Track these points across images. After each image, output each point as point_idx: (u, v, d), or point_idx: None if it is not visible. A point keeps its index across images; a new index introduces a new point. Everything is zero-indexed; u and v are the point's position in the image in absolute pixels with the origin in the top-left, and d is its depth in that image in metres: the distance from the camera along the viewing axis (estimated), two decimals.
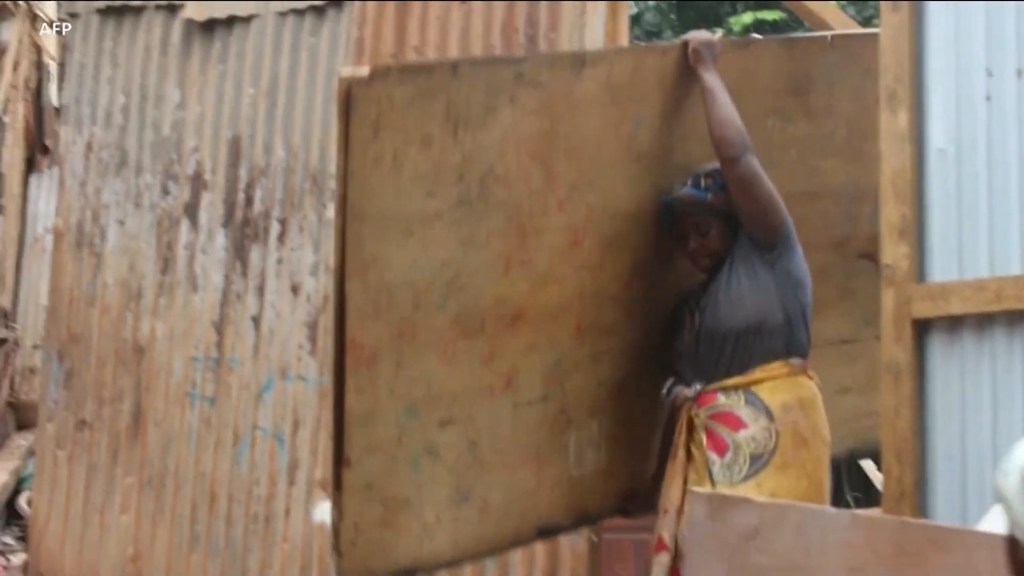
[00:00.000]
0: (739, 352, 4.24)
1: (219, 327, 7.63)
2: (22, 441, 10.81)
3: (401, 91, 3.87)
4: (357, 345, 3.94)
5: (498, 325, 4.21)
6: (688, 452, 4.29)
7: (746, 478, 4.11)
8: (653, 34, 15.05)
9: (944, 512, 4.26)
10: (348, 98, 3.81)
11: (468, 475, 4.26)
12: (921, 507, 4.30)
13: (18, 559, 9.48)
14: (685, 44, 4.42)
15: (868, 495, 7.41)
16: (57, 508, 8.40)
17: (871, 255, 4.78)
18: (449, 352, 4.12)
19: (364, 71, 3.85)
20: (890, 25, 4.38)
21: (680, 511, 4.23)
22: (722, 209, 4.34)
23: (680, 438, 4.32)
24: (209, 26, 7.95)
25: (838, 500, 6.16)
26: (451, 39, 7.02)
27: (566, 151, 4.24)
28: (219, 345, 7.63)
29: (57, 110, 11.76)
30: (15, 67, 12.39)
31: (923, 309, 4.27)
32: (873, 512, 4.42)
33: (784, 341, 4.27)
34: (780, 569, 3.34)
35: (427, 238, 4.02)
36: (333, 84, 7.34)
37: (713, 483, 4.15)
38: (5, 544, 10.09)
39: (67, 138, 8.77)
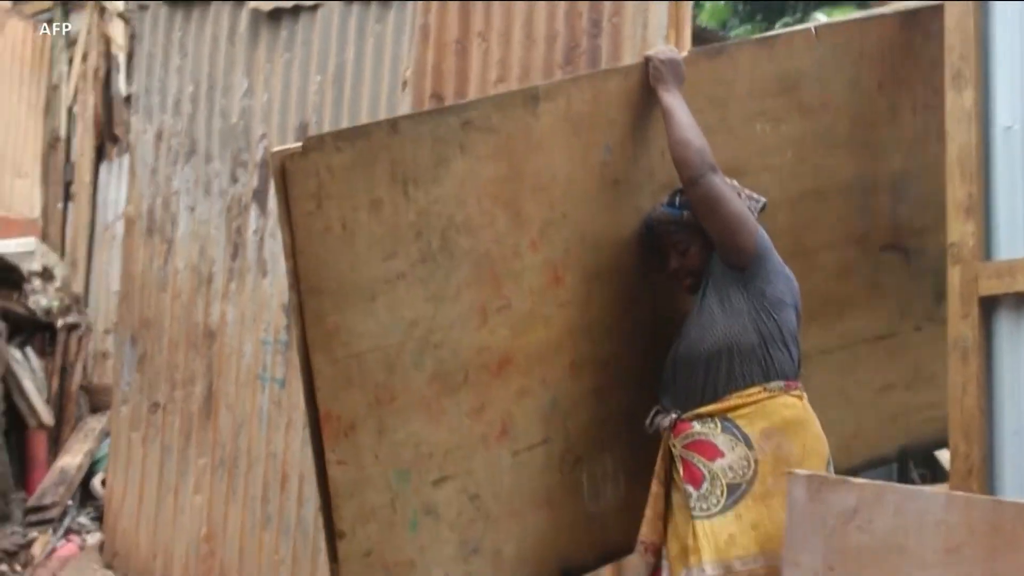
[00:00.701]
0: (712, 378, 4.07)
1: (288, 310, 7.71)
2: (95, 424, 10.98)
3: (339, 159, 3.82)
4: (332, 417, 3.89)
5: (483, 375, 4.12)
6: (667, 484, 4.14)
7: (724, 509, 3.92)
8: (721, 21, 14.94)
9: (1012, 488, 4.26)
10: (283, 174, 3.78)
11: (473, 529, 4.16)
12: (989, 484, 4.30)
13: (94, 539, 9.64)
14: (648, 62, 4.32)
15: (935, 473, 7.39)
16: (131, 489, 8.57)
17: (896, 245, 4.74)
18: (434, 410, 4.04)
19: (297, 145, 3.81)
20: (955, 4, 4.40)
21: (657, 550, 4.11)
22: (699, 227, 4.21)
23: (658, 468, 4.18)
24: (275, 15, 8.05)
25: (904, 479, 6.14)
26: (515, 25, 7.07)
27: (533, 190, 4.16)
28: (288, 328, 7.71)
29: (126, 100, 11.91)
30: (84, 58, 12.56)
31: (990, 286, 4.28)
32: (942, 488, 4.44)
33: (761, 364, 4.06)
34: (879, 549, 3.37)
35: (393, 300, 3.95)
36: (400, 71, 7.43)
37: (693, 516, 3.98)
38: (81, 524, 10.26)
39: (137, 127, 8.91)
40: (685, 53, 4.40)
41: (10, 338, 11.36)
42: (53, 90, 13.14)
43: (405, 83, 7.44)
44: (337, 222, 3.82)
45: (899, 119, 4.71)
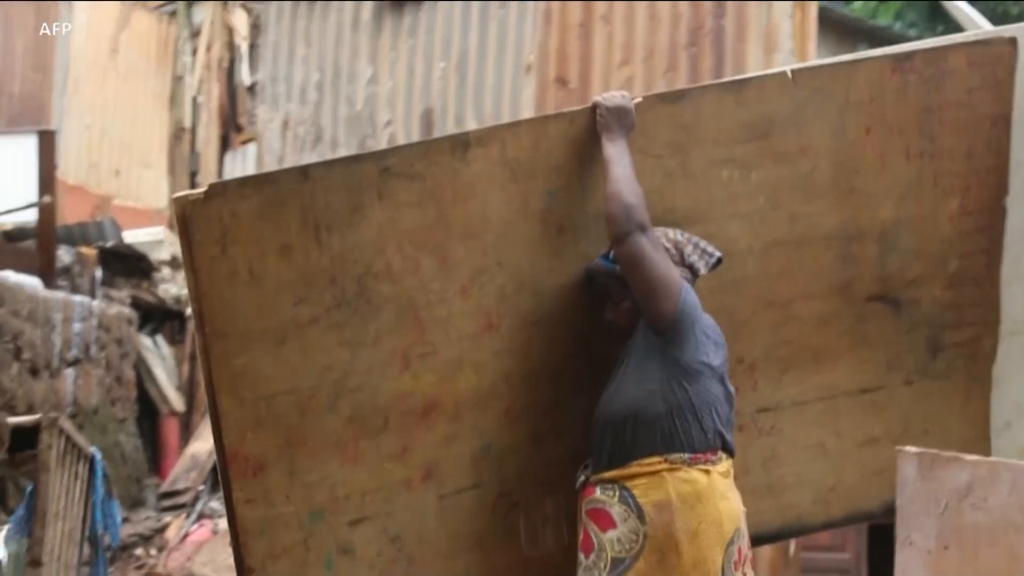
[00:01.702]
0: (617, 443, 3.91)
1: None
2: None
3: (245, 205, 3.79)
4: (240, 458, 3.88)
5: (406, 419, 4.06)
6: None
7: None
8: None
9: None
10: (184, 220, 3.77)
11: (395, 569, 4.09)
12: None
13: (226, 524, 9.84)
14: (595, 108, 4.14)
15: None
16: None
17: (885, 296, 4.53)
18: (351, 453, 3.99)
19: (199, 192, 3.78)
20: None
21: None
22: None
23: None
24: (399, 2, 8.13)
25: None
26: (639, 7, 7.06)
27: (462, 236, 4.06)
28: None
29: (249, 89, 12.08)
30: (208, 48, 12.78)
31: None
32: None
33: (663, 435, 3.88)
34: (995, 527, 3.32)
35: (304, 345, 3.91)
36: (523, 55, 7.46)
37: None
38: (212, 509, 10.47)
39: (264, 116, 9.06)
40: (638, 99, 4.17)
41: (141, 326, 11.62)
42: (178, 81, 13.38)
43: (529, 67, 7.46)
44: (243, 267, 3.81)
45: (890, 166, 4.46)
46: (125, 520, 8.10)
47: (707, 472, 3.89)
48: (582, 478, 3.99)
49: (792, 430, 4.48)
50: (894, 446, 4.31)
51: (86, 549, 6.27)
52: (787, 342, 4.41)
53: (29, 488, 5.55)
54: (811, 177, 4.41)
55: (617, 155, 4.00)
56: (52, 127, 12.10)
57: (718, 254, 4.09)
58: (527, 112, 7.49)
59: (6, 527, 5.35)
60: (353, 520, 4.00)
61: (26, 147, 10.88)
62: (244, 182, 3.99)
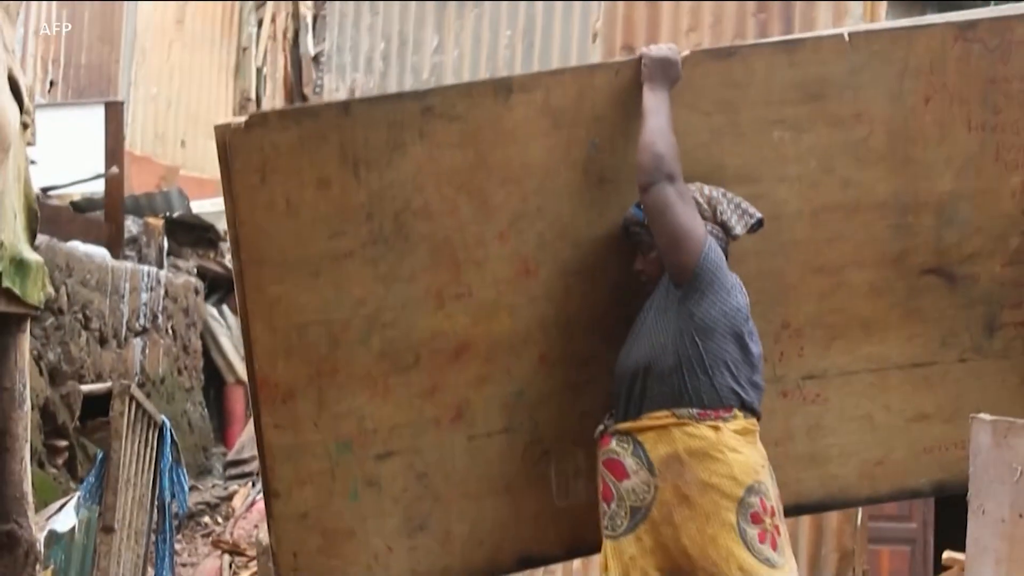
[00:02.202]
0: (633, 395, 3.96)
1: None
2: None
3: (285, 136, 3.88)
4: (270, 384, 4.01)
5: (437, 358, 4.13)
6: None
7: (627, 531, 3.87)
8: None
9: None
10: (225, 149, 3.84)
11: (420, 506, 4.19)
12: None
13: None
14: (640, 60, 4.15)
15: None
16: None
17: (940, 270, 4.46)
18: (380, 387, 4.08)
19: (241, 120, 3.86)
20: None
21: None
22: None
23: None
24: None
25: None
26: None
27: (502, 180, 4.10)
28: None
29: (314, 59, 12.08)
30: (273, 19, 12.79)
31: None
32: None
33: (673, 389, 3.93)
34: None
35: (339, 277, 4.01)
36: (589, 22, 7.40)
37: (604, 534, 3.96)
38: None
39: (330, 85, 9.07)
40: (686, 52, 4.20)
41: (207, 296, 11.69)
42: (243, 52, 13.42)
43: (595, 35, 7.40)
44: (281, 197, 3.89)
45: (950, 137, 4.38)
46: (192, 488, 8.15)
47: (716, 428, 3.90)
48: (601, 428, 4.02)
49: (839, 400, 4.45)
50: (945, 424, 4.44)
51: (155, 516, 6.31)
52: (836, 310, 4.39)
53: (100, 455, 5.59)
54: (866, 143, 4.36)
55: (655, 106, 4.01)
56: (119, 98, 12.18)
57: (758, 215, 4.08)
58: None
59: (77, 494, 5.39)
60: (380, 454, 4.08)
61: (94, 118, 10.94)
62: (285, 114, 4.20)
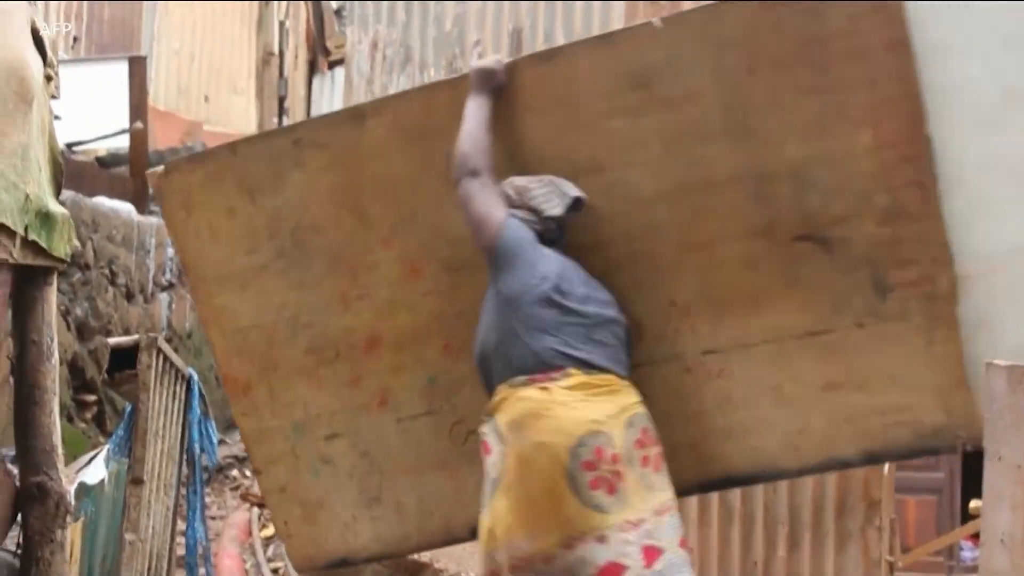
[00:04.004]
0: (487, 376, 4.29)
1: None
2: None
3: (195, 177, 4.59)
4: (231, 379, 4.71)
5: (354, 352, 4.66)
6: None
7: (489, 501, 4.13)
8: None
9: None
10: (157, 191, 4.67)
11: (370, 480, 4.71)
12: None
13: None
14: None
15: None
16: None
17: (812, 236, 4.45)
18: (314, 378, 4.66)
19: (162, 169, 4.65)
20: None
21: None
22: None
23: None
24: None
25: None
26: None
27: (375, 194, 4.57)
28: None
29: (336, 12, 12.04)
30: None
31: None
32: None
33: (503, 362, 4.23)
34: None
35: (261, 287, 4.65)
36: None
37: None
38: None
39: (353, 37, 9.01)
40: (508, 60, 4.54)
41: None
42: (265, 6, 13.38)
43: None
44: (204, 226, 4.60)
45: (785, 103, 4.38)
46: (221, 442, 8.18)
47: (546, 388, 4.13)
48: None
49: (743, 373, 4.54)
50: (859, 392, 4.46)
51: (184, 469, 6.34)
52: (718, 284, 4.49)
53: (128, 408, 5.61)
54: (702, 121, 4.44)
55: (470, 111, 4.42)
56: (142, 53, 12.17)
57: (573, 195, 4.38)
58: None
59: (106, 447, 5.42)
60: (327, 435, 4.69)
61: (117, 73, 10.94)
62: (192, 159, 4.98)
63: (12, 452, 4.44)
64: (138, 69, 11.00)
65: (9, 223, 3.62)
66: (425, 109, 4.53)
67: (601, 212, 4.48)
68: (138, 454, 5.32)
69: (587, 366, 4.22)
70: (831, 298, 4.48)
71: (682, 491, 4.40)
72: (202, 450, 6.26)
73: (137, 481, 5.25)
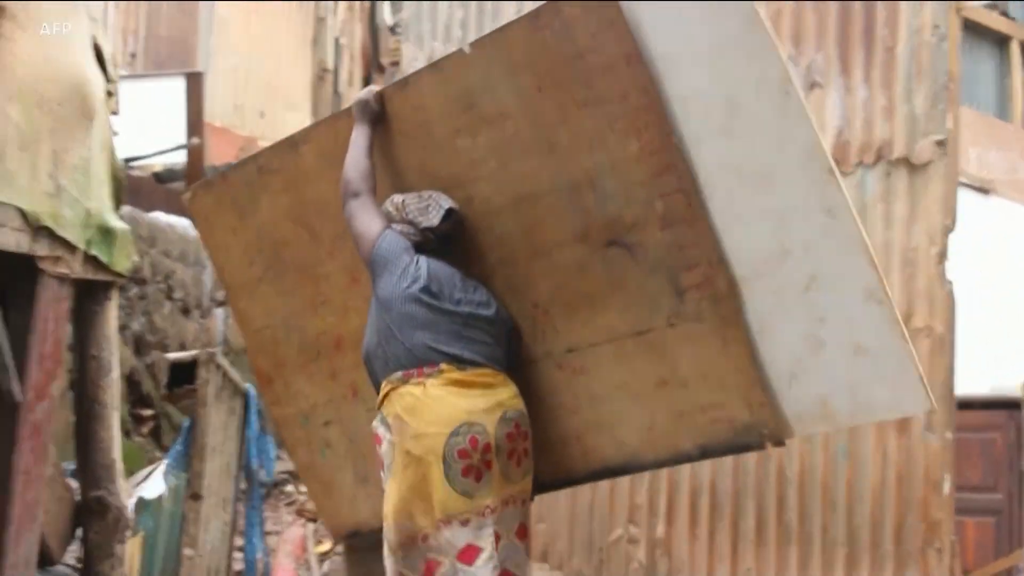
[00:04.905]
0: (370, 375, 4.64)
1: None
2: None
3: (208, 199, 5.18)
4: (259, 372, 5.27)
5: (327, 350, 5.17)
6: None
7: (385, 486, 4.48)
8: None
9: None
10: (188, 210, 5.29)
11: (359, 462, 5.14)
12: None
13: None
14: None
15: None
16: None
17: (617, 241, 4.73)
18: (307, 373, 5.19)
19: (189, 192, 5.28)
20: None
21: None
22: None
23: None
24: None
25: None
26: None
27: (316, 212, 5.08)
28: None
29: (391, 29, 12.06)
30: None
31: None
32: None
33: (382, 361, 4.59)
34: None
35: (262, 295, 5.23)
36: None
37: None
38: None
39: (408, 54, 9.01)
40: (377, 89, 4.96)
41: None
42: (320, 22, 13.42)
43: None
44: (221, 241, 5.22)
45: (569, 118, 4.68)
46: (277, 458, 8.20)
47: (422, 384, 4.48)
48: None
49: (597, 370, 4.82)
50: (683, 389, 4.71)
51: (241, 484, 6.34)
52: (562, 287, 4.81)
53: (186, 423, 5.63)
54: (518, 137, 4.75)
55: (352, 139, 4.90)
56: (198, 69, 12.24)
57: (446, 206, 4.77)
58: None
59: (164, 462, 5.43)
60: (325, 422, 5.19)
61: (174, 90, 11.01)
62: (205, 183, 5.51)
63: (72, 466, 4.45)
64: (195, 85, 11.06)
65: (71, 238, 3.64)
66: (333, 137, 5.00)
67: (471, 223, 4.85)
68: (197, 469, 5.34)
69: (460, 361, 4.56)
70: (646, 300, 4.74)
71: (576, 480, 4.98)
72: (260, 464, 6.27)
73: (196, 496, 5.26)
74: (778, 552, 6.86)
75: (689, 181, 4.59)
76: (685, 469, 7.18)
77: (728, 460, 7.06)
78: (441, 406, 4.49)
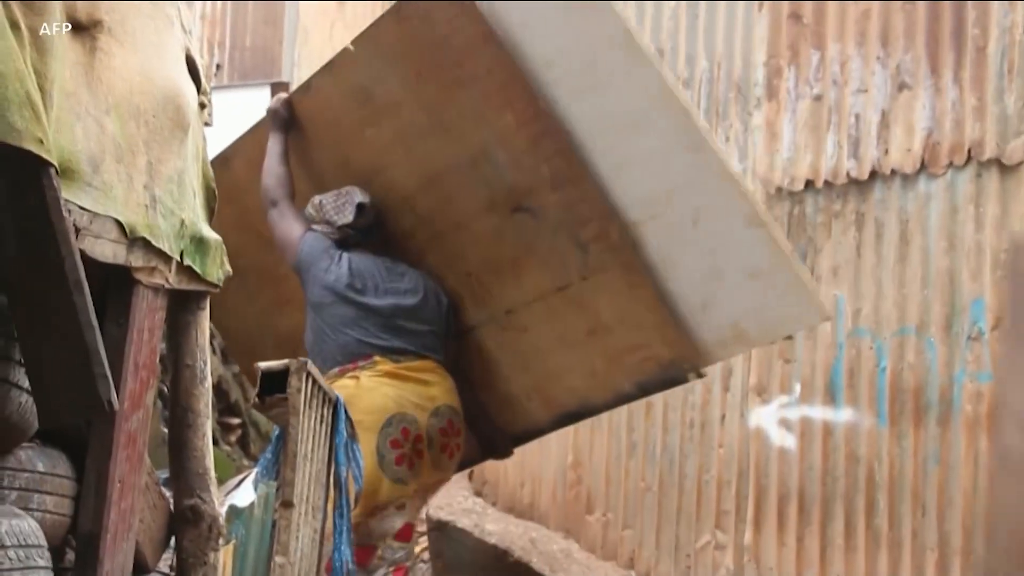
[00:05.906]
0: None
1: None
2: None
3: None
4: (247, 373, 5.43)
5: (301, 345, 5.39)
6: None
7: None
8: None
9: None
10: None
11: None
12: None
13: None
14: None
15: None
16: None
17: (520, 207, 5.04)
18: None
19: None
20: None
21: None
22: None
23: None
24: None
25: None
26: None
27: (260, 219, 5.39)
28: None
29: None
30: None
31: None
32: None
33: (320, 358, 4.88)
34: None
35: (232, 301, 5.48)
36: None
37: None
38: None
39: None
40: (285, 96, 5.39)
41: None
42: None
43: (761, 4, 7.28)
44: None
45: (452, 98, 5.03)
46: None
47: (356, 378, 4.84)
48: None
49: (536, 326, 5.25)
50: (609, 335, 5.10)
51: (330, 491, 6.37)
52: (487, 255, 5.22)
53: (276, 432, 5.66)
54: (415, 122, 5.15)
55: (268, 148, 5.26)
56: (283, 79, 12.33)
57: (356, 201, 5.13)
58: (760, 51, 7.32)
59: (254, 470, 5.46)
60: None
61: (260, 99, 11.08)
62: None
63: (165, 475, 4.49)
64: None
65: (166, 249, 3.68)
66: (256, 147, 5.35)
67: (395, 207, 5.17)
68: (288, 477, 5.36)
69: (392, 352, 4.88)
70: (557, 257, 5.10)
71: (546, 428, 5.40)
72: (350, 472, 6.29)
73: (287, 504, 5.29)
74: (868, 558, 6.79)
75: (565, 143, 4.86)
76: (773, 475, 7.13)
77: (817, 466, 6.98)
78: (373, 396, 4.78)
